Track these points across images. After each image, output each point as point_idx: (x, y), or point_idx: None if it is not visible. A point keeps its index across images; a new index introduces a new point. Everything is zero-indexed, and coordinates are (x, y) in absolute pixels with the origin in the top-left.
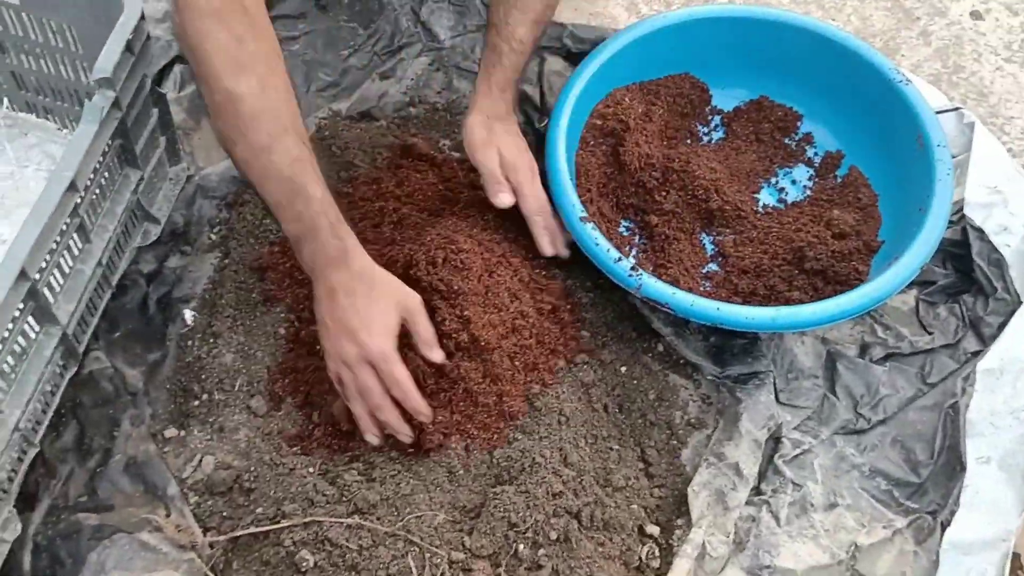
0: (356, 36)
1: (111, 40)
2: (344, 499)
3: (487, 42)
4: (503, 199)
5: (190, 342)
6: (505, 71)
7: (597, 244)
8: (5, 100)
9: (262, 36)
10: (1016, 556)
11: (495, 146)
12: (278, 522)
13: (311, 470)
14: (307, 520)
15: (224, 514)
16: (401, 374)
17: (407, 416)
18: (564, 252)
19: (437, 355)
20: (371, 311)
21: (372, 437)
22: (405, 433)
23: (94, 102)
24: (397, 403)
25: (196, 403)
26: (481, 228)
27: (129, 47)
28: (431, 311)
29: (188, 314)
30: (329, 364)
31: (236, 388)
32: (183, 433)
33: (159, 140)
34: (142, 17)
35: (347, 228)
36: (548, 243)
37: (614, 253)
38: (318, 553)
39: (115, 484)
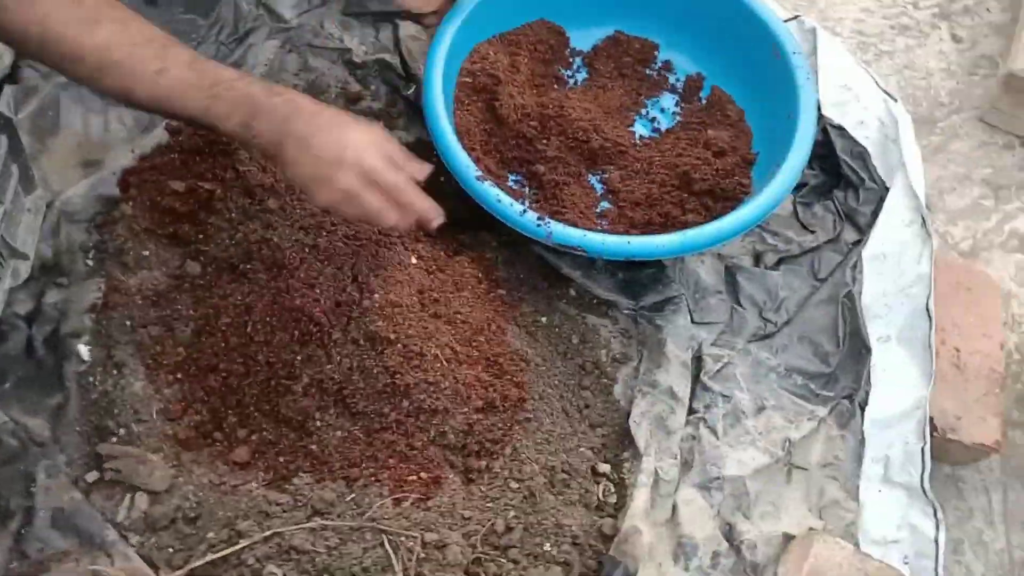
0: (197, 28)
1: None
2: (299, 504)
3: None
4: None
5: (91, 378)
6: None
7: (499, 200)
8: None
9: None
10: (931, 419)
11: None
12: (236, 543)
13: (255, 483)
14: (267, 534)
15: (173, 548)
16: (400, 179)
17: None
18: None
19: (424, 170)
20: (347, 134)
21: (399, 218)
22: (436, 209)
23: None
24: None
25: (114, 439)
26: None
27: None
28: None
29: (83, 349)
30: (325, 196)
31: (154, 415)
32: (106, 475)
33: (11, 169)
34: None
35: (280, 86)
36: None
37: (518, 206)
38: (285, 564)
39: (45, 542)
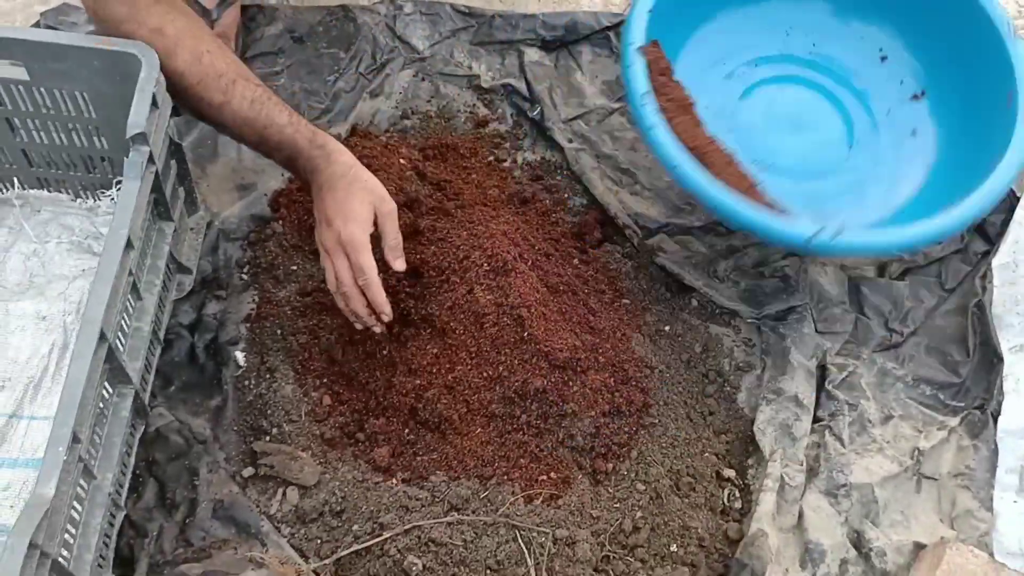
0: (339, 61)
1: (138, 95)
2: (437, 500)
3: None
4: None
5: (247, 382)
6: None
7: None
8: (16, 180)
9: (177, 18)
10: None
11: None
12: (379, 535)
13: (395, 480)
14: (407, 527)
15: (321, 539)
16: (367, 263)
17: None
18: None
19: (399, 264)
20: (348, 202)
21: (364, 322)
22: (372, 323)
23: (132, 158)
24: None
25: (267, 438)
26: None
27: (154, 100)
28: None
29: (239, 356)
30: (322, 257)
31: (303, 416)
32: (260, 470)
33: (179, 192)
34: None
35: (325, 135)
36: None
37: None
38: (425, 555)
39: (207, 531)
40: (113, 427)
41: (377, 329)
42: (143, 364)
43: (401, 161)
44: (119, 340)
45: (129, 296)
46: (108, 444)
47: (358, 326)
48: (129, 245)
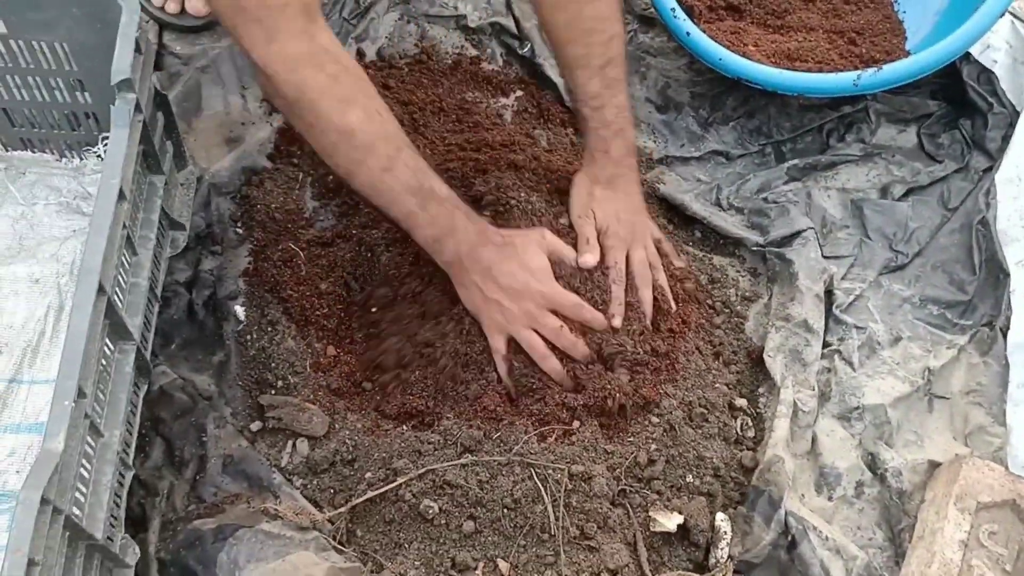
0: (322, 7)
1: (120, 41)
2: (449, 443)
3: (579, 112)
4: (587, 259)
5: (249, 336)
6: (603, 129)
7: None
8: None
9: (350, 68)
10: None
11: (590, 210)
12: (393, 480)
13: (406, 427)
14: (421, 471)
15: (334, 489)
16: (578, 299)
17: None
18: (617, 324)
19: (591, 258)
20: (528, 265)
21: (569, 381)
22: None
23: (118, 106)
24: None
25: (273, 392)
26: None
27: (137, 46)
28: None
29: (239, 310)
30: (497, 341)
31: (307, 368)
32: (268, 423)
33: (167, 145)
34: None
35: (475, 213)
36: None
37: None
38: (441, 498)
39: (219, 486)
40: (117, 384)
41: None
42: (142, 321)
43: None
44: (117, 295)
45: (124, 251)
46: (113, 401)
47: (568, 383)
48: (122, 196)
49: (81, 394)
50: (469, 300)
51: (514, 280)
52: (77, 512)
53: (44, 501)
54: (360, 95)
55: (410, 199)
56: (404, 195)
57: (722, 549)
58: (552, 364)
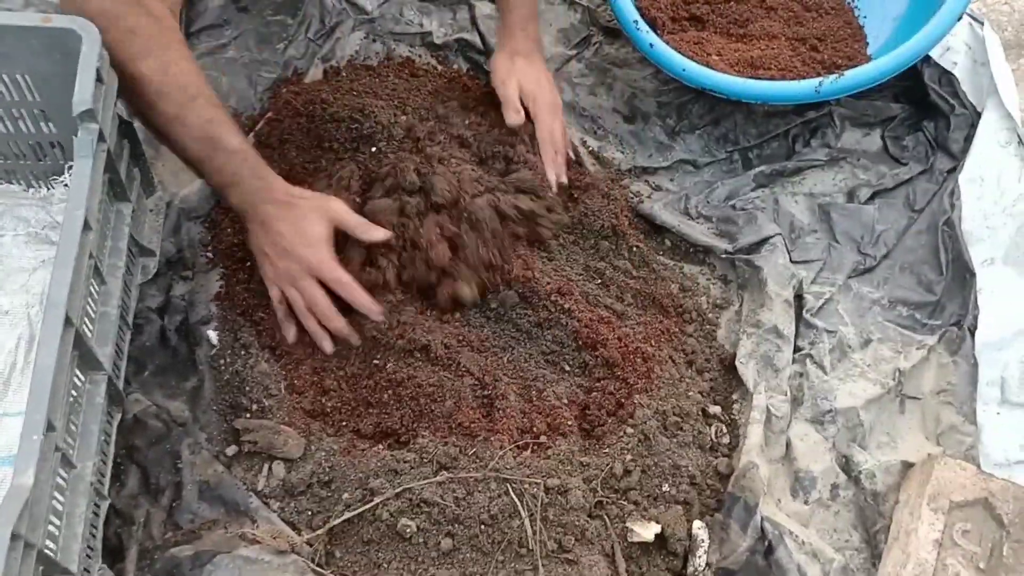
0: (287, 27)
1: (81, 71)
2: (425, 461)
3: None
4: (513, 119)
5: (222, 361)
6: (520, 10)
7: None
8: None
9: (151, 23)
10: None
11: (515, 77)
12: (369, 500)
13: (382, 445)
14: (398, 490)
15: (312, 511)
16: (344, 277)
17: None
18: (564, 180)
19: (378, 234)
20: (303, 227)
21: (327, 345)
22: (356, 339)
23: (81, 137)
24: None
25: (248, 415)
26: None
27: (99, 76)
28: None
29: (212, 335)
30: (272, 291)
31: (282, 391)
32: (244, 447)
33: (134, 172)
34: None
35: (267, 168)
36: (553, 174)
37: None
38: (418, 517)
39: (195, 513)
40: (88, 415)
41: (354, 340)
42: (113, 349)
43: None
44: (86, 325)
45: (92, 280)
46: (85, 432)
47: (327, 346)
48: (87, 227)
49: (50, 427)
50: (251, 245)
51: (282, 239)
52: (51, 545)
53: (15, 537)
54: (156, 49)
55: (196, 148)
56: (191, 143)
57: (700, 557)
58: (310, 324)
